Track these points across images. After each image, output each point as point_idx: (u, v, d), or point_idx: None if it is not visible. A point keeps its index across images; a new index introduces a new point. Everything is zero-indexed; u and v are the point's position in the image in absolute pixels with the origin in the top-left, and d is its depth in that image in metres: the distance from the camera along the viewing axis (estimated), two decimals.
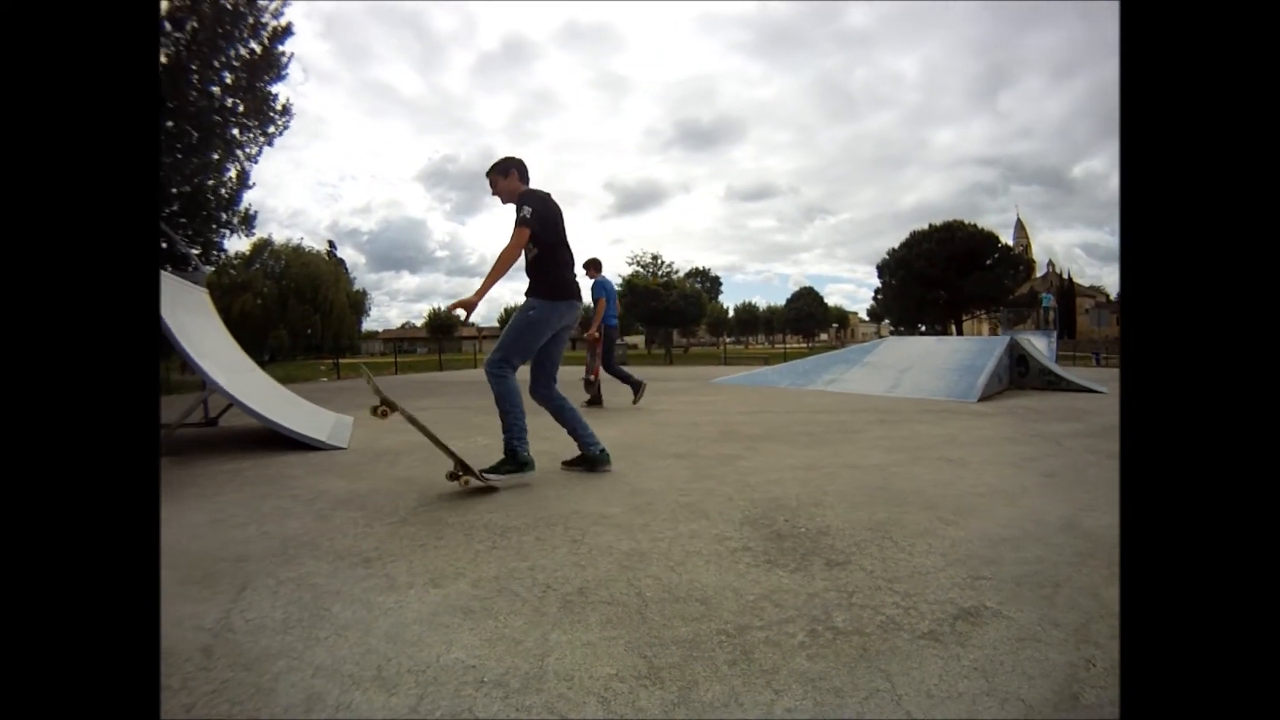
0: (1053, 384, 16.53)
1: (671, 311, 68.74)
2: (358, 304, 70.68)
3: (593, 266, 12.63)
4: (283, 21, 24.54)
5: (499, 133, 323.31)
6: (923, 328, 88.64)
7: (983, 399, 13.37)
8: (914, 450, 7.31)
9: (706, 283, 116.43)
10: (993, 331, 70.24)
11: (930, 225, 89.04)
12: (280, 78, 24.92)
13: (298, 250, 60.67)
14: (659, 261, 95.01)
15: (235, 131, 23.99)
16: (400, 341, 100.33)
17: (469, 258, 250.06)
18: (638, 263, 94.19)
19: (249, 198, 27.05)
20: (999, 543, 3.94)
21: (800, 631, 2.76)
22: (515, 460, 5.62)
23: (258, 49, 23.69)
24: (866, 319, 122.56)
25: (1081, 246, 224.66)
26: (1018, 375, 16.66)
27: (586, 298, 9.02)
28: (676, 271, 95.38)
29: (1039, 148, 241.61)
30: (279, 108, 25.25)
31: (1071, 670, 2.44)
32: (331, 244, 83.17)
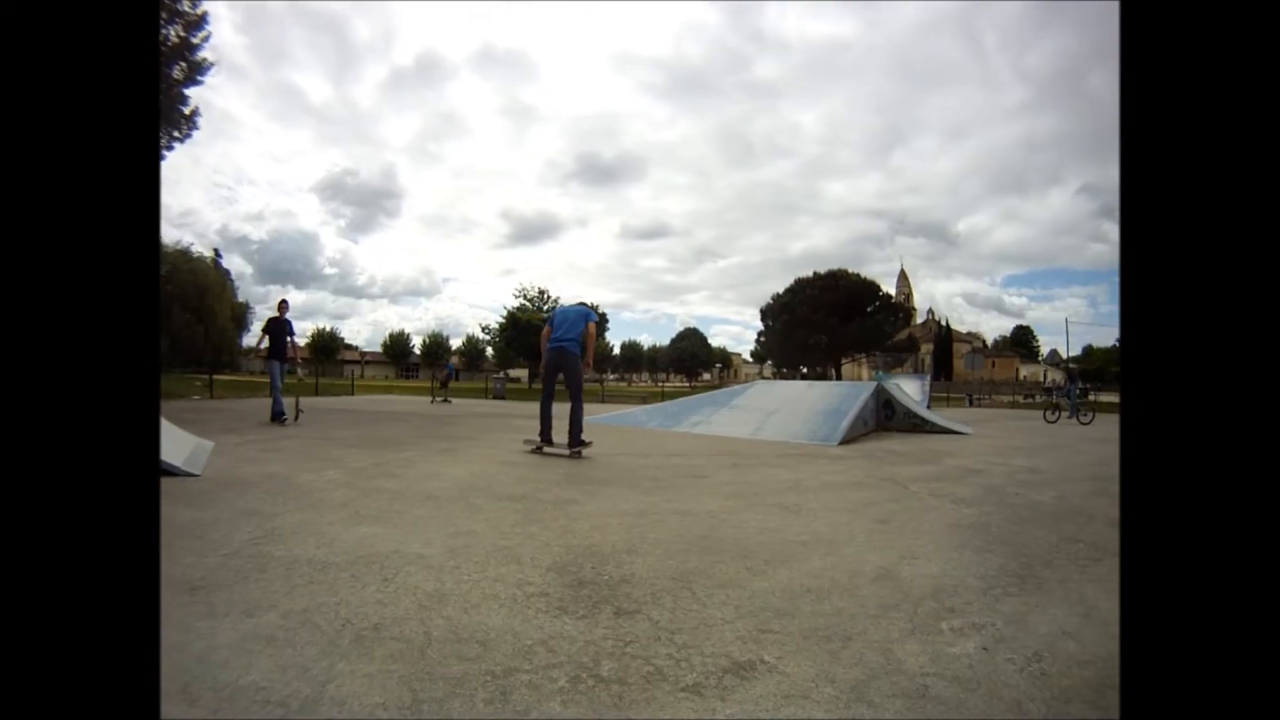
0: (918, 426, 16.90)
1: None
2: (240, 317, 67.77)
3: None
4: (199, 9, 22.51)
5: (402, 151, 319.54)
6: (804, 370, 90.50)
7: (844, 442, 13.38)
8: (753, 496, 7.21)
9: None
10: (872, 375, 72.30)
11: (815, 273, 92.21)
12: (196, 81, 23.22)
13: (185, 255, 57.77)
14: (545, 296, 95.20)
15: None
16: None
17: (358, 278, 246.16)
18: (524, 295, 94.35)
19: None
20: (800, 594, 3.88)
21: (563, 677, 2.77)
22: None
23: (174, 37, 21.88)
24: (750, 360, 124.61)
25: (962, 295, 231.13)
26: (884, 418, 16.94)
27: None
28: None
29: (926, 203, 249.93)
30: (187, 112, 23.69)
31: None
32: (217, 251, 79.67)
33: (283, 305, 15.70)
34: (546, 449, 10.42)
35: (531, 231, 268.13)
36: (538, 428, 10.60)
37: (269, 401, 15.15)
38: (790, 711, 2.52)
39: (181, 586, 3.70)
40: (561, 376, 10.51)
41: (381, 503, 6.24)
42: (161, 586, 3.57)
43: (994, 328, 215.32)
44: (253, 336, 19.92)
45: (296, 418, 15.19)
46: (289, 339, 15.34)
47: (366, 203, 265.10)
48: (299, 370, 16.55)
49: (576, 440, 10.09)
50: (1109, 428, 22.02)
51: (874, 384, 17.71)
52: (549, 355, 10.54)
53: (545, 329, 10.80)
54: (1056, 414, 25.71)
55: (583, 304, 11.29)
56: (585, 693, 2.63)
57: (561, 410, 10.34)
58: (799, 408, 16.42)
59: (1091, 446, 14.43)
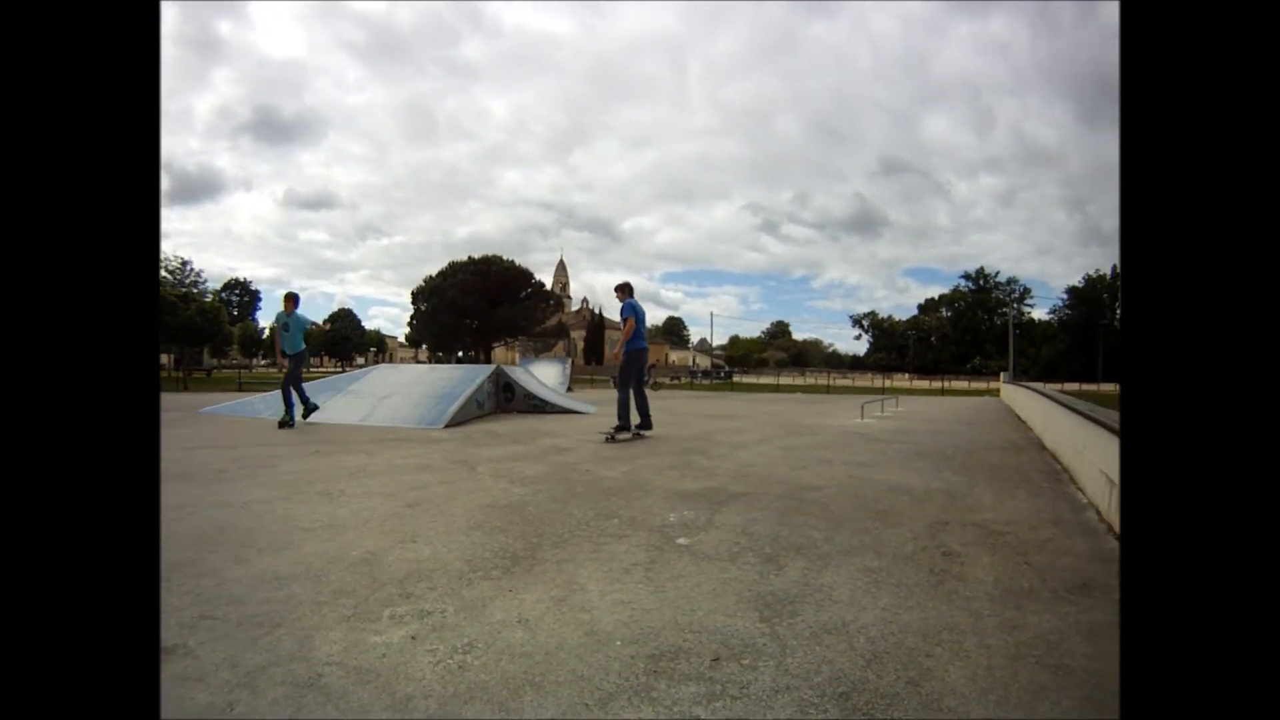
0: (538, 407, 17.27)
1: (188, 328, 61.45)
2: None
3: (624, 289, 12.92)
4: None
5: None
6: (460, 354, 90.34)
7: (451, 425, 13.47)
8: (301, 484, 7.06)
9: (244, 296, 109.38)
10: (520, 357, 73.18)
11: (470, 257, 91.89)
12: None
13: None
14: (188, 269, 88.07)
15: None
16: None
17: None
18: (165, 268, 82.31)
19: None
20: (265, 581, 3.86)
21: None
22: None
23: None
24: (405, 344, 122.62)
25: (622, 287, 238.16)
26: (505, 400, 17.17)
27: None
28: (206, 281, 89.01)
29: (596, 201, 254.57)
30: None
31: (208, 711, 2.45)
32: None
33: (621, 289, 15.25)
34: (620, 436, 11.60)
35: (191, 189, 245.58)
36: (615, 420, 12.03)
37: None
38: (180, 691, 2.52)
39: None
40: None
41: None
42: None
43: (651, 318, 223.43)
44: None
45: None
46: None
47: None
48: None
49: (647, 422, 12.34)
50: (730, 403, 23.44)
51: (492, 367, 17.96)
52: (643, 355, 12.72)
53: (631, 322, 12.50)
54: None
55: (626, 294, 12.88)
56: None
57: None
58: (414, 392, 16.37)
59: (699, 422, 15.21)
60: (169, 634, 3.05)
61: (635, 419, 12.12)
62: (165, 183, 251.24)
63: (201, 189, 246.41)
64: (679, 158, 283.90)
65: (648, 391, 13.09)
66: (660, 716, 2.44)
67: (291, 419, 13.54)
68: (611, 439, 11.25)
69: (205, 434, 12.01)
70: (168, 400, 23.45)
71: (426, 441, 11.03)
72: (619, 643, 3.04)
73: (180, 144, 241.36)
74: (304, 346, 14.51)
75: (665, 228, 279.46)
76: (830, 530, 5.15)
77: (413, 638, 3.08)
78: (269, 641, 3.03)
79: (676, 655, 2.91)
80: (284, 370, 14.27)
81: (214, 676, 2.68)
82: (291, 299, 14.36)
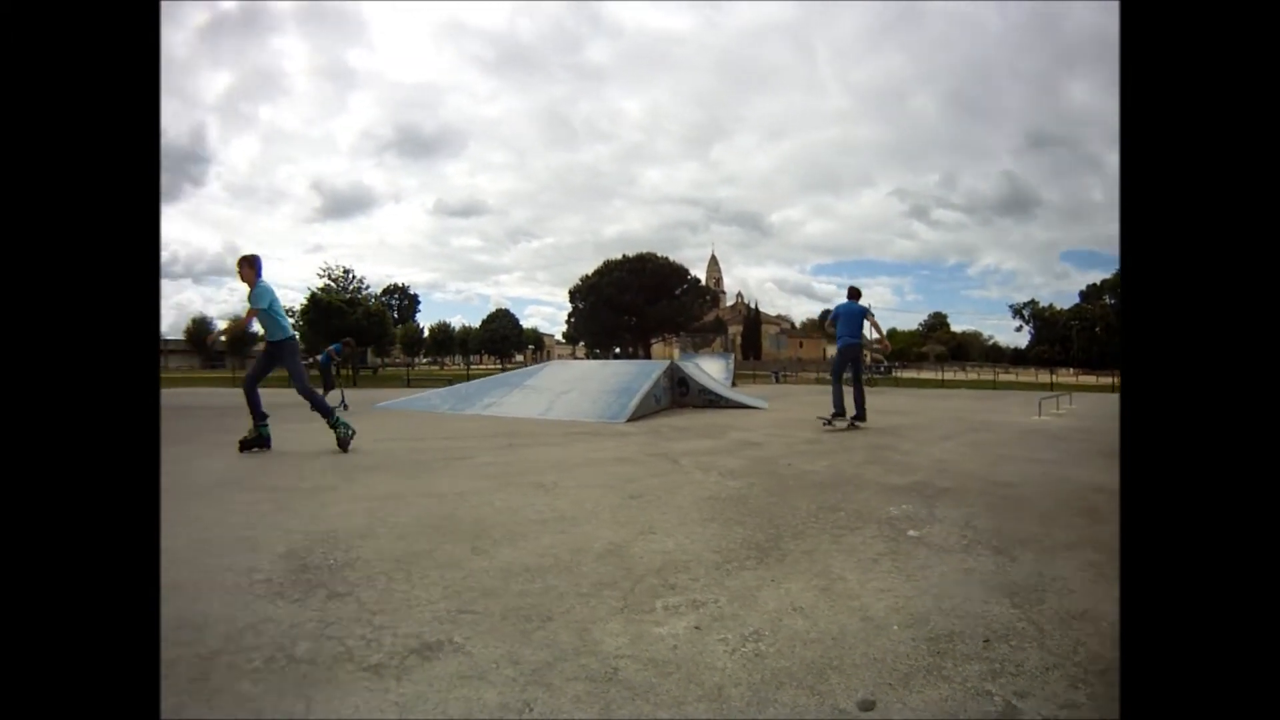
0: (712, 402, 17.12)
1: (354, 330, 65.66)
2: None
3: (851, 292, 12.93)
4: None
5: (213, 109, 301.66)
6: (616, 350, 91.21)
7: (633, 419, 13.40)
8: (512, 475, 7.10)
9: (404, 300, 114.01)
10: (680, 354, 73.59)
11: (624, 255, 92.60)
12: None
13: None
14: (350, 276, 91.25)
15: None
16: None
17: (170, 247, 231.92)
18: (329, 275, 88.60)
19: None
20: (519, 573, 3.83)
21: (260, 659, 2.73)
22: None
23: None
24: (562, 341, 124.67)
25: (774, 280, 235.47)
26: (679, 395, 17.06)
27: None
28: (369, 287, 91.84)
29: (742, 194, 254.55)
30: None
31: (500, 713, 2.35)
32: None
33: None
34: (837, 423, 12.15)
35: (344, 205, 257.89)
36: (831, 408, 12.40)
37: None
38: (461, 693, 2.46)
39: None
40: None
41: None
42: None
43: (803, 311, 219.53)
44: None
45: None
46: None
47: (171, 168, 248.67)
48: None
49: (861, 414, 12.33)
50: (898, 399, 23.02)
51: (667, 362, 17.87)
52: (845, 350, 12.61)
53: (828, 324, 12.84)
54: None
55: (854, 301, 12.71)
56: (275, 672, 2.60)
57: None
58: (590, 386, 16.41)
59: (876, 418, 14.83)
60: (430, 629, 3.03)
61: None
62: (316, 201, 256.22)
63: (353, 204, 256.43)
64: (818, 145, 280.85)
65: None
66: (956, 693, 2.48)
67: (263, 436, 9.16)
68: (829, 424, 12.09)
69: (389, 427, 12.25)
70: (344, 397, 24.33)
71: (614, 435, 11.00)
72: (895, 627, 3.07)
73: (327, 165, 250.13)
74: (291, 334, 9.57)
75: (813, 218, 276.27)
76: (1044, 526, 5.10)
77: (696, 628, 3.05)
78: (544, 636, 2.95)
79: (951, 638, 2.95)
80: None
81: (496, 674, 2.60)
82: (248, 263, 9.25)
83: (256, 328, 9.23)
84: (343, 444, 9.02)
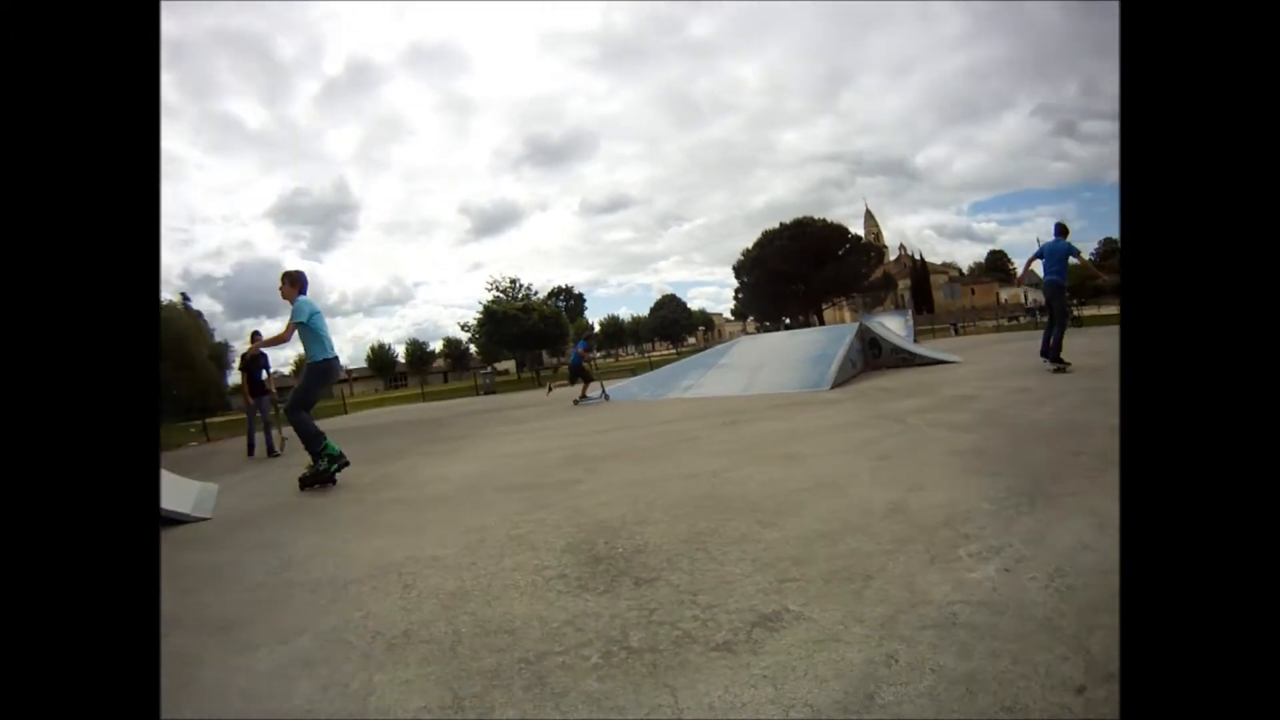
0: (906, 361, 16.88)
1: (533, 334, 68.30)
2: (220, 357, 66.46)
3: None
4: None
5: (349, 163, 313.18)
6: (786, 320, 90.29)
7: (835, 385, 13.39)
8: (751, 450, 7.19)
9: (570, 300, 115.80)
10: (854, 317, 72.35)
11: (781, 223, 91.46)
12: None
13: None
14: (517, 285, 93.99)
15: None
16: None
17: (329, 296, 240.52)
18: (496, 288, 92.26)
19: None
20: (815, 540, 3.88)
21: (595, 654, 2.78)
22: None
23: None
24: (731, 318, 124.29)
25: (932, 227, 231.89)
26: (872, 357, 16.90)
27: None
28: (536, 293, 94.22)
29: (881, 141, 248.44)
30: None
31: (869, 669, 2.41)
32: (185, 296, 77.99)
33: (255, 338, 14.21)
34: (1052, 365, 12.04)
35: (492, 222, 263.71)
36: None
37: (280, 437, 14.02)
38: (824, 656, 2.51)
39: (214, 627, 3.68)
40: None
41: (387, 514, 6.32)
42: (191, 633, 3.67)
43: (967, 256, 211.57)
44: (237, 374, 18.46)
45: (281, 447, 14.18)
46: (266, 372, 14.44)
47: (323, 220, 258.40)
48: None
49: (1056, 357, 12.09)
50: (1093, 340, 22.20)
51: (856, 325, 17.68)
52: (1049, 288, 12.52)
53: (1030, 261, 13.09)
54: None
55: (1060, 238, 12.47)
56: (619, 665, 2.64)
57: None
58: (786, 358, 16.43)
59: (1077, 360, 14.43)
60: (761, 601, 3.09)
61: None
62: (466, 224, 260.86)
63: (501, 220, 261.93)
64: (946, 74, 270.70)
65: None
66: None
67: (327, 470, 8.21)
68: (1061, 368, 11.71)
69: (602, 418, 12.59)
70: (536, 397, 24.92)
71: (824, 403, 11.00)
72: None
73: (468, 188, 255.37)
74: (332, 355, 8.60)
75: (959, 154, 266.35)
76: None
77: (1006, 570, 3.13)
78: (874, 593, 3.03)
79: None
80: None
81: (848, 634, 2.68)
82: (289, 279, 8.65)
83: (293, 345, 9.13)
84: (307, 481, 8.13)
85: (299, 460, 9.13)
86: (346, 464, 8.38)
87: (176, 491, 8.11)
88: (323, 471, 8.13)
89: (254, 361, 14.23)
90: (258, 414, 14.25)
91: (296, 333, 8.38)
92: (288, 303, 8.52)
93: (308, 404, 8.55)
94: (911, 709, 2.15)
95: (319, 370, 8.50)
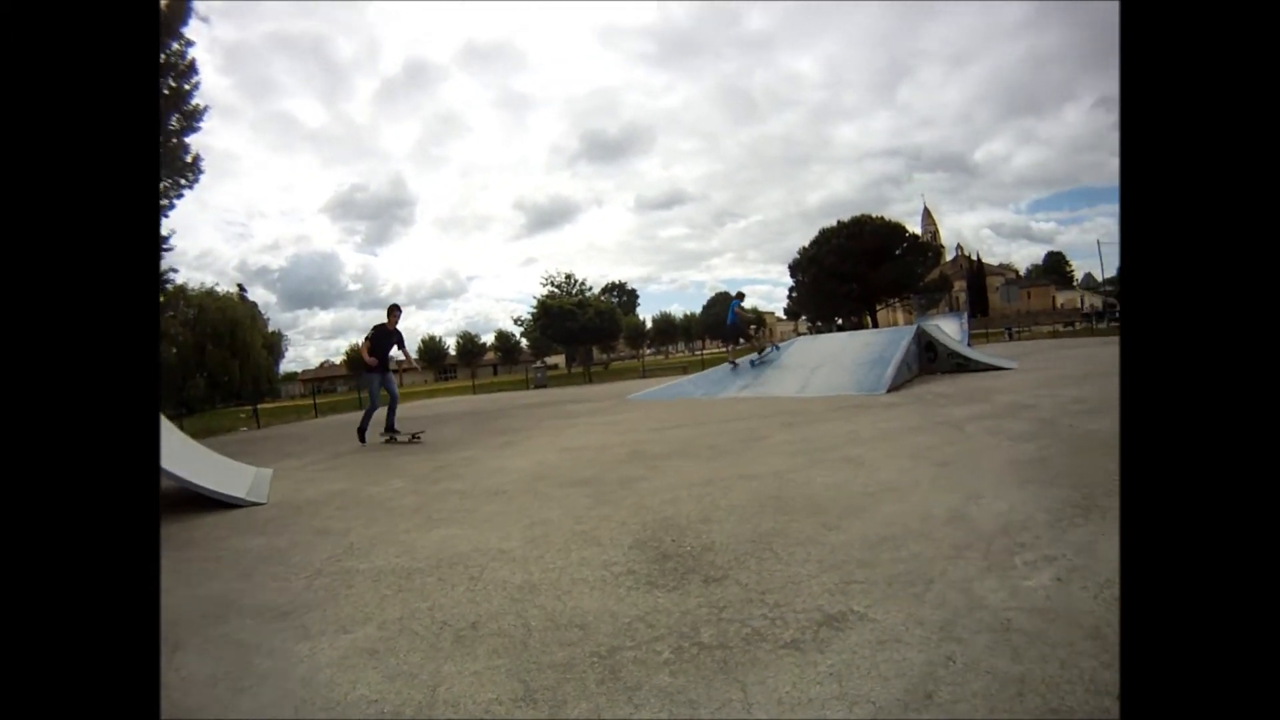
0: (962, 366, 16.78)
1: (587, 330, 68.44)
2: (273, 345, 67.32)
3: None
4: (188, 59, 22.68)
5: (406, 159, 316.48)
6: (839, 321, 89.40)
7: (892, 389, 13.36)
8: (814, 452, 7.28)
9: (623, 296, 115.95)
10: (908, 319, 71.46)
11: (839, 221, 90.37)
12: (193, 129, 22.98)
13: (212, 294, 57.98)
14: (572, 280, 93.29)
15: None
16: (319, 381, 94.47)
17: (382, 289, 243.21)
18: (551, 283, 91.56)
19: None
20: (878, 543, 3.97)
21: (667, 649, 2.85)
22: None
23: (165, 89, 21.68)
24: (784, 317, 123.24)
25: (990, 226, 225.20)
26: (928, 361, 16.84)
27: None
28: (590, 288, 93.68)
29: (940, 135, 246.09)
30: (189, 159, 23.28)
31: (929, 669, 2.51)
32: (241, 286, 78.87)
33: (393, 311, 12.53)
34: None
35: (548, 218, 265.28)
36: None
37: (318, 423, 13.64)
38: (886, 656, 2.63)
39: (274, 613, 3.79)
40: None
41: (454, 503, 6.43)
42: (251, 616, 3.77)
43: (1025, 256, 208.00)
44: (290, 361, 17.94)
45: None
46: (401, 349, 12.60)
47: (379, 214, 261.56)
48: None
49: None
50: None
51: (914, 328, 17.57)
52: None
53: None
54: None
55: None
56: (690, 660, 2.73)
57: None
58: (842, 360, 16.43)
59: None
60: (827, 601, 3.18)
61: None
62: (521, 219, 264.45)
63: (556, 215, 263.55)
64: (1006, 64, 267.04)
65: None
66: None
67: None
68: None
69: (660, 416, 12.67)
70: (588, 392, 25.08)
71: (883, 407, 11.04)
72: None
73: (524, 183, 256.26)
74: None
75: (1018, 149, 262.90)
76: None
77: (1059, 579, 3.21)
78: (934, 597, 3.12)
79: None
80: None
81: (909, 635, 2.79)
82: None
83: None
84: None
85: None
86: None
87: (230, 476, 8.45)
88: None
89: (388, 335, 12.39)
90: (382, 390, 12.51)
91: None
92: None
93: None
94: (966, 708, 2.24)
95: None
